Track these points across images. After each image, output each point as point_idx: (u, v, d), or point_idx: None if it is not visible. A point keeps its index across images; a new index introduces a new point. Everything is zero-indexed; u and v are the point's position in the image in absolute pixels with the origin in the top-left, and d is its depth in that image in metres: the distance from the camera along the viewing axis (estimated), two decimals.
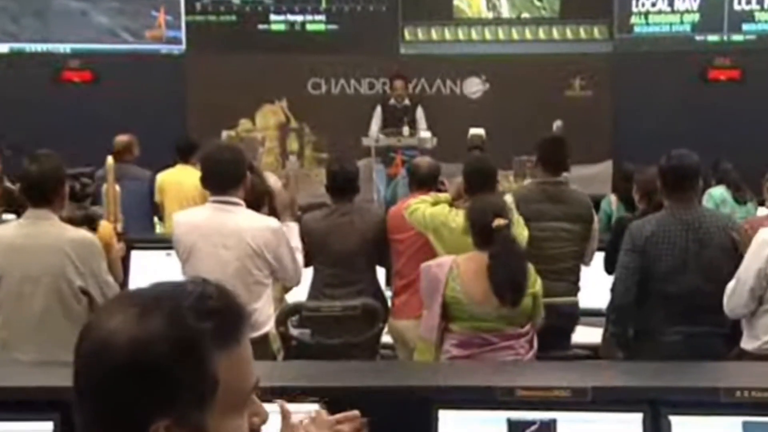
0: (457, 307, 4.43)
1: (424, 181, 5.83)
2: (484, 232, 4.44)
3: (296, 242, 4.89)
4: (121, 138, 8.51)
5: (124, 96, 11.25)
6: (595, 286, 5.48)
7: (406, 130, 10.23)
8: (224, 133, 11.70)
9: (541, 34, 12.28)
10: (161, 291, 1.31)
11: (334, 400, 2.13)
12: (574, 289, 5.53)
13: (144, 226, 7.74)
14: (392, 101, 11.00)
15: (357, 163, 6.57)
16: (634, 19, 12.05)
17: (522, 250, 4.57)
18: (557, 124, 10.92)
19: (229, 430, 1.29)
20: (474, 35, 12.34)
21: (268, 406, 1.41)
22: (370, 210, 7.40)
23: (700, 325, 4.56)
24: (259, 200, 4.98)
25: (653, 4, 11.99)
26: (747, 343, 4.42)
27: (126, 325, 1.25)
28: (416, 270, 4.88)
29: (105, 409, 1.25)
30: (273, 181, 7.17)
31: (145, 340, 1.23)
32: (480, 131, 9.64)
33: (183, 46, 12.23)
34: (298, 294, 5.64)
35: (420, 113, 10.88)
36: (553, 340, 5.26)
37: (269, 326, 4.84)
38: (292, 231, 4.94)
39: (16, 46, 12.04)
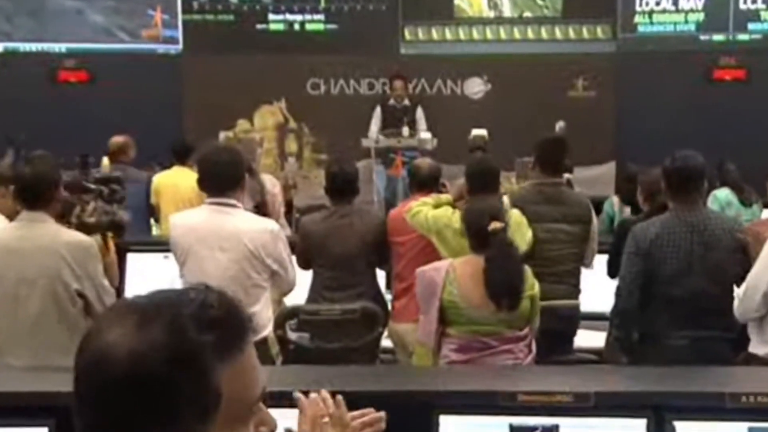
0: (455, 312, 4.42)
1: (425, 183, 5.83)
2: (480, 235, 4.43)
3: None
4: (117, 139, 8.49)
5: (120, 96, 11.25)
6: (599, 289, 5.48)
7: (405, 130, 10.23)
8: (222, 134, 11.66)
9: (544, 34, 12.28)
10: (162, 300, 1.29)
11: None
12: (575, 291, 5.52)
13: (140, 228, 7.73)
14: (392, 101, 11.00)
15: (356, 165, 6.57)
16: (637, 19, 12.05)
17: (518, 253, 4.55)
18: (560, 124, 10.91)
19: None
20: (475, 35, 12.34)
21: (274, 412, 1.39)
22: (369, 212, 7.39)
23: (706, 329, 4.55)
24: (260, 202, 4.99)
25: (657, 3, 11.99)
26: (757, 348, 4.41)
27: (125, 337, 1.23)
28: None
29: (104, 421, 1.24)
30: (270, 184, 7.20)
31: (144, 353, 1.22)
32: (482, 132, 9.65)
33: (180, 46, 12.24)
34: (297, 297, 5.63)
35: (420, 113, 10.87)
36: (554, 344, 5.26)
37: (268, 330, 4.84)
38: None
39: (11, 45, 12.04)
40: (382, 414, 2.10)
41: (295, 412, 2.10)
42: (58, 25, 12.06)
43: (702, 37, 11.97)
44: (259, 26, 12.25)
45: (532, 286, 4.53)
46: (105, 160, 7.82)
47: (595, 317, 5.52)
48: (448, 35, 12.32)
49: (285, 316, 5.47)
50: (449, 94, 12.27)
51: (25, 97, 11.31)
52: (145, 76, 11.60)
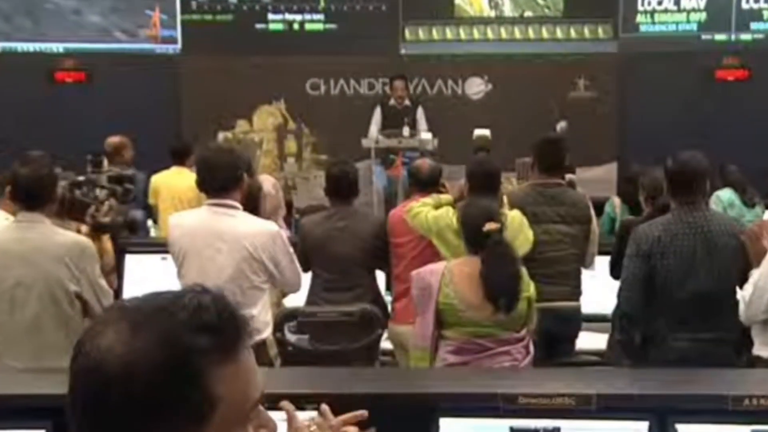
0: (452, 314, 4.41)
1: (425, 184, 5.83)
2: (475, 236, 4.43)
3: (289, 247, 4.88)
4: (113, 139, 8.49)
5: (118, 97, 11.25)
6: (600, 290, 5.48)
7: (406, 131, 10.23)
8: (220, 135, 11.69)
9: (545, 34, 12.29)
10: (155, 304, 1.29)
11: (332, 407, 2.12)
12: (576, 293, 5.51)
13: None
14: (392, 102, 10.99)
15: (356, 165, 6.57)
16: (639, 18, 12.05)
17: (515, 254, 4.54)
18: (561, 125, 10.93)
19: None
20: (476, 35, 12.34)
21: (273, 414, 1.39)
22: (369, 213, 7.40)
23: (709, 331, 4.55)
24: (255, 203, 4.98)
25: (659, 3, 12.00)
26: (761, 350, 4.40)
27: (118, 343, 1.23)
28: None
29: (98, 427, 1.24)
30: (268, 185, 7.19)
31: (136, 359, 1.22)
32: (485, 132, 9.65)
33: (178, 46, 12.24)
34: (297, 299, 5.63)
35: (420, 114, 10.87)
36: (556, 346, 5.26)
37: (267, 332, 4.83)
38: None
39: (8, 45, 12.04)
40: (364, 412, 2.09)
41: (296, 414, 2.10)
42: (55, 24, 12.06)
43: (704, 37, 11.96)
44: (258, 26, 12.25)
45: (528, 287, 4.52)
46: (104, 162, 7.83)
47: (596, 319, 5.53)
48: (449, 35, 12.32)
49: (283, 318, 5.47)
50: (450, 95, 12.28)
51: (22, 97, 11.32)
52: (143, 76, 11.61)
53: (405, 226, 5.55)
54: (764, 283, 4.30)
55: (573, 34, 12.23)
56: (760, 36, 11.91)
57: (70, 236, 4.41)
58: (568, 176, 6.31)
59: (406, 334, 5.37)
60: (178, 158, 8.16)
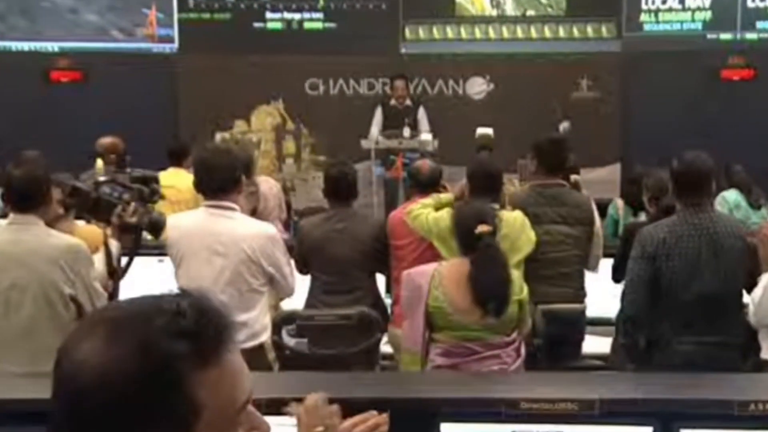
0: (441, 317, 4.40)
1: (425, 185, 5.83)
2: (467, 238, 4.42)
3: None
4: (105, 140, 8.48)
5: (114, 97, 11.25)
6: (604, 293, 5.48)
7: (407, 131, 10.23)
8: (218, 135, 11.70)
9: (547, 33, 12.29)
10: (134, 311, 1.28)
11: None
12: (579, 295, 5.50)
13: None
14: (393, 102, 10.99)
15: (356, 167, 6.57)
16: (643, 17, 12.05)
17: (506, 258, 4.51)
18: (564, 125, 10.92)
19: None
20: (477, 34, 12.34)
21: (272, 419, 1.39)
22: (369, 215, 7.40)
23: (714, 335, 4.55)
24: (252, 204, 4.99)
25: (663, 2, 12.00)
26: None
27: (95, 352, 1.23)
28: None
29: None
30: (266, 187, 7.18)
31: (114, 368, 1.21)
32: (488, 131, 9.64)
33: (175, 45, 12.23)
34: (295, 302, 5.63)
35: (422, 114, 10.86)
36: (560, 349, 5.25)
37: (265, 336, 4.83)
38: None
39: (3, 44, 12.03)
40: (385, 417, 2.09)
41: (293, 420, 2.10)
42: (51, 23, 12.05)
43: (709, 36, 11.96)
44: (256, 25, 12.25)
45: (521, 290, 4.51)
46: (99, 162, 7.83)
47: (600, 322, 5.52)
48: (450, 34, 12.32)
49: (281, 322, 5.47)
50: (450, 95, 12.27)
51: (17, 97, 11.32)
52: (140, 75, 11.61)
53: (405, 228, 5.55)
54: None
55: (576, 33, 12.23)
56: (766, 35, 11.90)
57: (64, 238, 4.41)
58: (573, 177, 6.30)
59: None
60: (176, 159, 8.15)
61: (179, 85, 12.03)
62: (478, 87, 12.29)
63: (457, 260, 4.51)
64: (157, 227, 4.74)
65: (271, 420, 1.38)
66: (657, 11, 12.02)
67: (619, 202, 7.81)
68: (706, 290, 4.55)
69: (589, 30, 12.22)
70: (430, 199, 5.48)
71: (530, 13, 12.32)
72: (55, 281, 4.23)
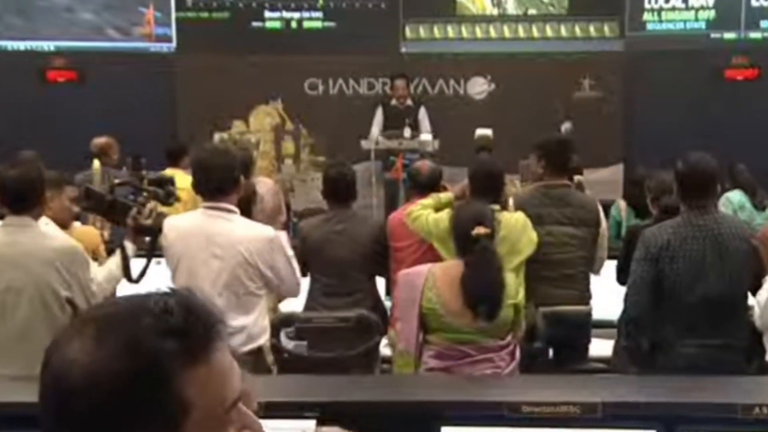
0: (434, 318, 4.40)
1: (425, 186, 5.83)
2: (464, 240, 4.42)
3: (289, 251, 4.88)
4: (99, 140, 8.49)
5: (110, 96, 11.25)
6: (606, 295, 5.48)
7: (407, 132, 10.23)
8: (216, 136, 11.70)
9: (549, 32, 12.29)
10: (120, 310, 1.29)
11: (331, 415, 2.11)
12: (584, 297, 5.50)
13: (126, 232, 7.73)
14: (394, 102, 10.99)
15: (355, 167, 6.57)
16: (646, 16, 12.06)
17: (500, 261, 4.48)
18: (566, 126, 10.93)
19: None
20: (478, 33, 12.35)
21: (270, 423, 1.39)
22: (368, 216, 7.40)
23: (719, 337, 4.55)
24: (248, 204, 4.98)
25: (666, 1, 12.00)
26: None
27: (82, 352, 1.23)
28: None
29: None
30: (263, 189, 7.17)
31: (100, 370, 1.22)
32: (487, 132, 9.65)
33: (173, 44, 12.24)
34: (294, 304, 5.63)
35: (423, 114, 10.85)
36: (565, 353, 5.25)
37: (264, 339, 4.82)
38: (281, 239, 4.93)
39: None
40: None
41: (292, 423, 2.10)
42: (46, 22, 12.06)
43: (713, 36, 11.97)
44: (255, 24, 12.26)
45: (516, 294, 4.51)
46: (96, 163, 7.84)
47: (602, 325, 5.52)
48: (451, 33, 12.33)
49: (279, 324, 5.47)
50: (451, 94, 12.28)
51: (12, 96, 11.32)
52: (137, 75, 11.62)
53: (405, 229, 5.55)
54: None
55: (578, 32, 12.24)
56: None
57: (60, 240, 4.41)
58: (577, 178, 6.31)
59: None
60: (173, 160, 8.16)
61: (177, 85, 12.03)
62: (479, 87, 12.30)
63: (453, 262, 4.51)
64: None
65: (270, 423, 1.38)
66: (660, 10, 12.02)
67: (622, 204, 7.82)
68: (710, 292, 4.55)
69: (592, 29, 12.23)
70: (429, 199, 5.47)
71: (532, 12, 12.33)
72: (51, 283, 4.23)
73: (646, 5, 12.02)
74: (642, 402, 2.99)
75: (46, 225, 4.71)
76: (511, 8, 12.33)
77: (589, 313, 5.46)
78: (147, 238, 4.73)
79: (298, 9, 12.28)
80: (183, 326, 1.26)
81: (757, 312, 4.41)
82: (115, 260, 4.72)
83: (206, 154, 4.89)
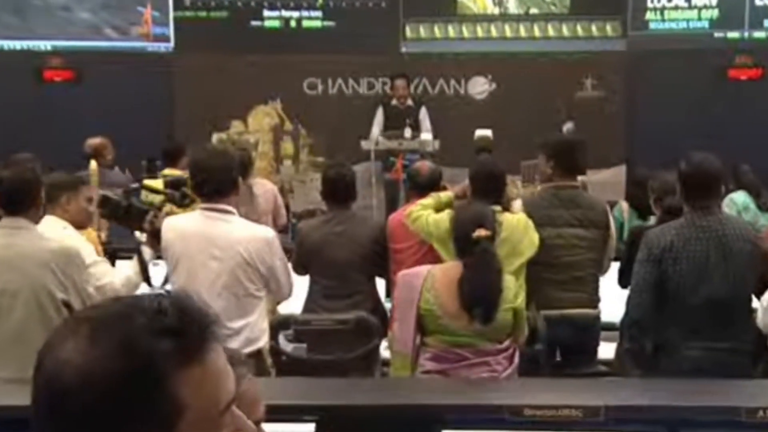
0: (432, 320, 4.39)
1: (424, 187, 5.81)
2: (464, 241, 4.41)
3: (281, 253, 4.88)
4: (93, 141, 8.48)
5: (108, 96, 11.25)
6: (608, 297, 5.47)
7: (408, 132, 10.22)
8: (214, 136, 11.70)
9: (551, 31, 12.29)
10: (114, 311, 1.29)
11: (331, 419, 2.11)
12: (593, 300, 5.48)
13: (123, 233, 7.72)
14: (394, 102, 10.99)
15: (355, 168, 6.56)
16: (648, 15, 12.05)
17: (500, 264, 4.47)
18: (568, 126, 10.92)
19: None
20: (479, 32, 12.34)
21: (269, 426, 1.39)
22: (368, 217, 7.39)
23: (723, 340, 4.54)
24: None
25: (669, 0, 12.00)
26: None
27: (76, 352, 1.24)
28: None
29: None
30: (262, 190, 7.16)
31: (94, 369, 1.22)
32: (487, 133, 9.64)
33: (171, 44, 12.24)
34: (293, 305, 5.62)
35: (424, 114, 10.84)
36: (573, 356, 5.24)
37: (264, 341, 4.82)
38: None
39: None
40: None
41: (291, 426, 2.09)
42: (43, 21, 12.05)
43: (716, 35, 11.96)
44: (253, 23, 12.25)
45: (516, 297, 4.49)
46: (93, 164, 7.83)
47: (604, 327, 5.51)
48: (451, 33, 12.32)
49: (276, 326, 5.46)
50: (452, 94, 12.28)
51: (9, 97, 11.31)
52: (135, 75, 11.60)
53: (405, 230, 5.54)
54: None
55: (580, 31, 12.23)
56: None
57: (56, 242, 4.40)
58: (580, 179, 6.29)
59: None
60: (170, 160, 8.14)
61: (175, 85, 12.02)
62: (480, 87, 12.29)
63: (452, 263, 4.50)
64: None
65: (268, 426, 1.37)
66: (663, 9, 12.01)
67: (624, 205, 7.80)
68: (714, 294, 4.54)
69: (594, 28, 12.22)
70: (429, 199, 5.46)
71: (533, 11, 12.32)
72: (47, 285, 4.22)
73: (649, 4, 12.01)
74: (645, 405, 2.99)
75: (64, 229, 4.72)
76: (513, 7, 12.33)
77: (597, 317, 5.45)
78: None
79: (297, 8, 12.27)
80: (177, 326, 1.26)
81: (760, 315, 4.41)
82: (132, 266, 4.73)
83: (205, 156, 4.89)
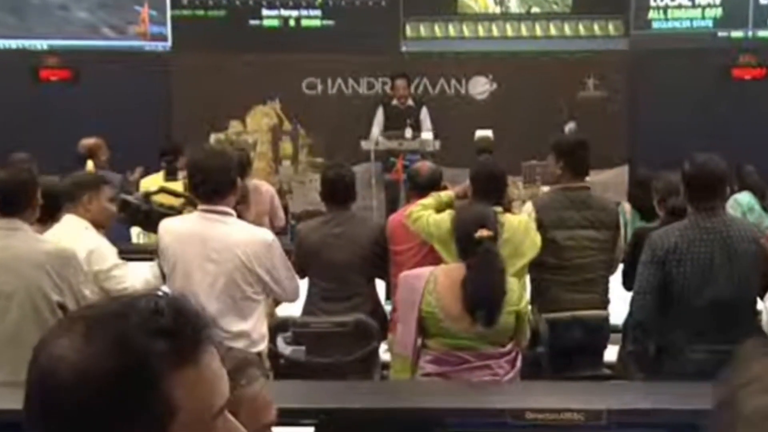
0: (433, 322, 4.38)
1: (424, 187, 5.81)
2: (466, 242, 4.40)
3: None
4: (87, 141, 8.48)
5: (105, 96, 11.25)
6: (612, 299, 5.46)
7: (408, 132, 10.22)
8: (212, 137, 11.69)
9: (553, 30, 12.28)
10: (109, 310, 1.30)
11: (330, 422, 2.10)
12: (603, 301, 5.47)
13: (118, 235, 7.72)
14: (395, 102, 10.98)
15: (355, 168, 6.55)
16: (651, 14, 12.05)
17: (503, 265, 4.46)
18: (570, 126, 10.92)
19: None
20: (480, 31, 12.34)
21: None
22: (368, 218, 7.38)
23: (728, 342, 4.50)
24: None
25: None
26: None
27: (70, 351, 1.24)
28: None
29: None
30: (261, 191, 7.15)
31: (88, 367, 1.23)
32: (487, 133, 9.63)
33: (168, 43, 12.23)
34: (292, 309, 5.61)
35: (425, 114, 10.85)
36: (580, 358, 5.23)
37: (263, 345, 4.80)
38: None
39: None
40: None
41: (290, 430, 2.08)
42: (40, 20, 12.05)
43: (720, 34, 11.95)
44: (252, 22, 12.24)
45: (519, 300, 4.48)
46: (90, 164, 7.83)
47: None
48: (452, 32, 12.32)
49: (276, 329, 5.45)
50: (453, 94, 12.27)
51: (5, 96, 11.31)
52: (132, 74, 11.60)
53: (405, 231, 5.53)
54: None
55: (582, 30, 12.22)
56: None
57: (51, 244, 4.40)
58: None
59: None
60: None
61: (172, 85, 12.02)
62: (481, 86, 12.29)
63: (454, 265, 4.49)
64: None
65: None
66: (666, 8, 12.01)
67: (627, 206, 7.79)
68: (719, 296, 4.53)
69: (596, 27, 12.21)
70: (430, 199, 5.45)
71: (535, 10, 12.32)
72: (42, 287, 4.22)
73: (652, 3, 12.01)
74: (649, 409, 2.99)
75: (86, 229, 4.73)
76: (514, 6, 12.32)
77: (606, 318, 5.44)
78: None
79: (296, 7, 12.26)
80: (173, 327, 1.26)
81: (764, 317, 4.40)
82: (152, 269, 4.74)
83: (203, 156, 4.88)
